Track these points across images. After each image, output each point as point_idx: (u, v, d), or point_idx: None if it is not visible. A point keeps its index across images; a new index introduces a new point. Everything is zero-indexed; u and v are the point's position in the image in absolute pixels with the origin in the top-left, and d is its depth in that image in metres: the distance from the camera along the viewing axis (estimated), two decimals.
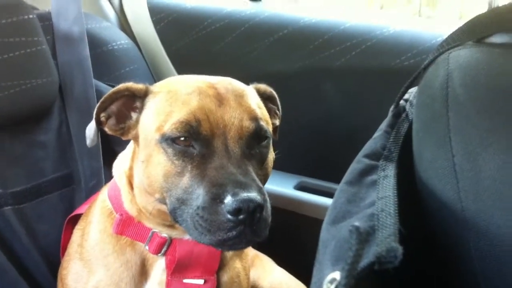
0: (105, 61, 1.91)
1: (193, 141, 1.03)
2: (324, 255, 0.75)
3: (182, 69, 2.20)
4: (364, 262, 0.61)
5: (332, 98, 1.98)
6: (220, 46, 2.11)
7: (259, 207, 0.96)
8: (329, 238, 0.78)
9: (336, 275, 0.61)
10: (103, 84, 1.81)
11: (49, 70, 1.61)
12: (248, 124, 1.07)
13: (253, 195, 0.95)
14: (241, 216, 0.95)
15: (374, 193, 0.79)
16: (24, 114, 1.56)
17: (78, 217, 1.38)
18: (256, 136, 1.08)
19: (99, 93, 1.73)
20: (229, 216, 0.95)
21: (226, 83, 1.13)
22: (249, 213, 0.95)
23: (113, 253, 1.20)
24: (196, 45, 2.16)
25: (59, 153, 1.66)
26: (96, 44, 1.89)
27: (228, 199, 0.95)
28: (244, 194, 0.95)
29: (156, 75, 2.19)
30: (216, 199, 0.97)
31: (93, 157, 1.67)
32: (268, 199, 1.02)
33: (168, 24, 2.21)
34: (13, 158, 1.54)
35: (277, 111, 1.32)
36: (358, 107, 1.94)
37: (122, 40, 2.02)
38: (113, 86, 1.79)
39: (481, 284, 0.78)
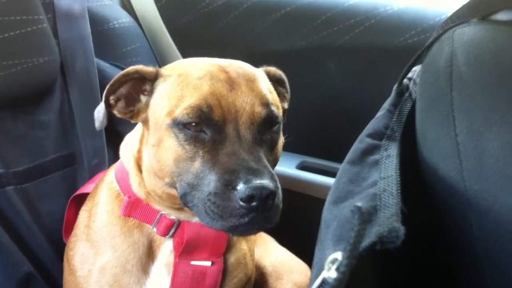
0: (106, 39, 1.90)
1: (205, 127, 1.03)
2: (326, 235, 0.76)
3: (184, 47, 2.18)
4: (366, 242, 0.61)
5: (335, 76, 1.97)
6: (223, 23, 2.10)
7: (272, 194, 0.96)
8: (331, 218, 0.78)
9: (338, 255, 0.61)
10: (104, 62, 1.81)
11: (50, 49, 1.60)
12: (259, 109, 1.06)
13: (266, 182, 0.95)
14: (254, 203, 0.95)
15: (376, 173, 0.79)
16: (25, 93, 1.55)
17: (81, 196, 1.39)
18: (268, 122, 1.08)
19: (101, 72, 1.73)
20: (241, 203, 0.95)
21: (237, 67, 1.12)
22: (261, 200, 0.95)
23: (121, 234, 1.21)
24: (198, 23, 2.15)
25: (61, 133, 1.66)
26: (97, 22, 1.87)
27: (241, 186, 0.95)
28: (257, 181, 0.94)
29: (158, 53, 2.17)
30: (228, 185, 0.96)
31: (95, 137, 1.67)
32: (279, 185, 1.02)
33: (170, 2, 2.19)
34: (14, 138, 1.54)
35: (286, 94, 1.31)
36: (361, 85, 1.93)
37: (124, 18, 2.00)
38: (115, 65, 1.81)
39: (482, 262, 0.78)
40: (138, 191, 1.20)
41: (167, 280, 1.20)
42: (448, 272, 0.93)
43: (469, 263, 0.83)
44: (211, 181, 0.99)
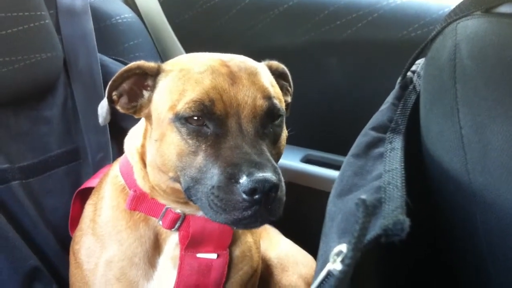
0: (109, 35, 1.90)
1: (207, 121, 1.03)
2: (330, 228, 0.76)
3: (186, 42, 2.18)
4: (371, 234, 0.61)
5: (338, 71, 1.96)
6: (224, 19, 2.09)
7: (275, 187, 0.96)
8: (336, 211, 0.78)
9: (343, 247, 0.61)
10: (107, 58, 1.81)
11: (53, 45, 1.60)
12: (261, 102, 1.06)
13: (268, 175, 0.95)
14: (257, 196, 0.95)
15: (381, 165, 0.79)
16: (28, 89, 1.55)
17: (86, 191, 1.39)
18: (270, 115, 1.08)
19: (104, 68, 1.73)
20: (244, 196, 0.95)
21: (238, 61, 1.12)
22: (264, 193, 0.95)
23: (127, 228, 1.21)
24: (200, 18, 2.15)
25: (64, 128, 1.66)
26: (100, 18, 1.87)
27: (244, 179, 0.95)
28: (260, 174, 0.95)
29: (160, 49, 2.18)
30: (231, 178, 0.97)
31: (99, 131, 1.67)
32: (282, 178, 1.02)
33: None
34: (18, 134, 1.54)
35: (289, 88, 1.31)
36: (364, 79, 1.93)
37: (126, 13, 2.00)
38: (117, 60, 1.81)
39: (486, 256, 0.78)
40: (142, 185, 1.20)
41: (173, 273, 1.21)
42: (449, 271, 0.93)
43: (472, 260, 0.83)
44: (214, 175, 1.00)
